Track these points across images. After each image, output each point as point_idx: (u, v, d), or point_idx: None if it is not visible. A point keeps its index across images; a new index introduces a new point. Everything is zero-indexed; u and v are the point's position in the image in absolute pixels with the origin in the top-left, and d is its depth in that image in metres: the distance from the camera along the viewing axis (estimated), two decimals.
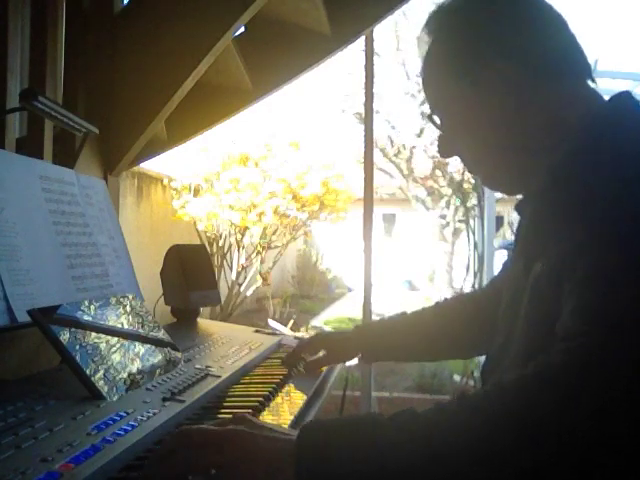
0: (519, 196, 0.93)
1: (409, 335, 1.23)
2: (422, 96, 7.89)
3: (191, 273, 1.62)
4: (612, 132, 0.77)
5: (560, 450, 0.59)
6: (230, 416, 0.75)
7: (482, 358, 1.04)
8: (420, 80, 0.96)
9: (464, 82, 0.85)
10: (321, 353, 1.30)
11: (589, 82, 0.86)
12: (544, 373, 0.64)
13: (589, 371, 0.61)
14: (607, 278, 0.65)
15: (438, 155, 0.97)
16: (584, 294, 0.66)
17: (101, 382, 0.88)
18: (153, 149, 2.01)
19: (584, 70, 0.86)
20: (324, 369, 1.31)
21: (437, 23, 0.89)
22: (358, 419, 0.68)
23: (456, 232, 9.33)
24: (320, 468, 0.64)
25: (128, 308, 1.11)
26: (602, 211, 0.69)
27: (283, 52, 2.08)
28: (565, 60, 0.84)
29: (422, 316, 1.25)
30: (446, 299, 1.30)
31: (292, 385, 1.16)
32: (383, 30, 8.60)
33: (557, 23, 0.86)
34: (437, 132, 0.94)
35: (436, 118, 0.93)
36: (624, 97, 0.81)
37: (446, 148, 0.93)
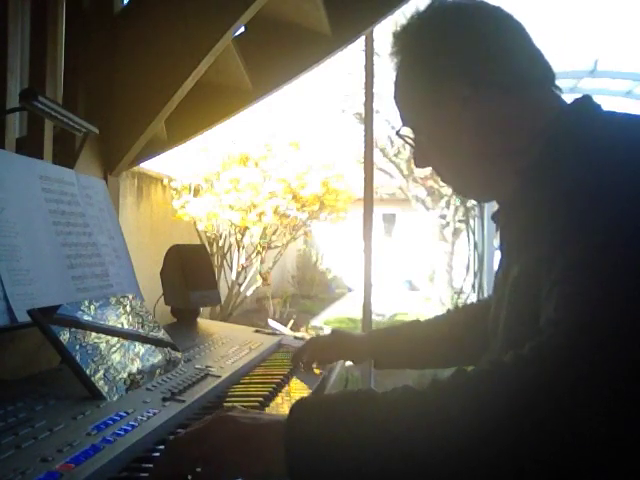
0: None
1: (422, 343, 1.25)
2: None
3: (191, 273, 1.62)
4: (577, 133, 0.79)
5: (542, 431, 0.60)
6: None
7: None
8: None
9: (427, 100, 0.90)
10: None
11: (552, 88, 0.89)
12: (533, 353, 0.65)
13: (567, 357, 0.62)
14: (586, 273, 0.66)
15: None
16: (565, 290, 0.67)
17: (101, 382, 0.88)
18: (153, 149, 2.01)
19: (546, 77, 0.89)
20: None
21: (401, 44, 0.93)
22: (350, 394, 0.68)
23: (456, 232, 9.33)
24: (311, 443, 0.63)
25: (128, 308, 1.11)
26: (574, 209, 0.70)
27: (283, 52, 2.08)
28: (526, 71, 0.87)
29: (434, 324, 1.27)
30: (457, 307, 1.34)
31: (292, 385, 1.16)
32: (383, 30, 8.60)
33: (516, 36, 0.88)
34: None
35: (408, 132, 0.97)
36: (585, 100, 0.84)
37: (421, 160, 0.97)
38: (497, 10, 0.89)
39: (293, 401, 1.05)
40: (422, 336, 1.25)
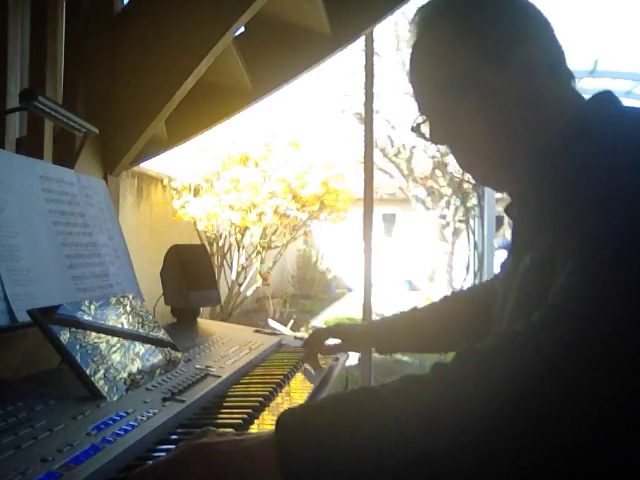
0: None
1: (421, 327, 1.26)
2: None
3: (191, 273, 1.62)
4: (596, 125, 0.79)
5: (562, 400, 0.58)
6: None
7: None
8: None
9: (446, 79, 0.85)
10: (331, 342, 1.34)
11: (572, 85, 0.89)
12: (546, 317, 0.63)
13: (582, 318, 0.60)
14: (601, 246, 0.65)
15: (438, 155, 1.00)
16: (578, 259, 0.65)
17: (101, 382, 0.88)
18: (153, 149, 2.01)
19: (570, 73, 0.89)
20: (325, 366, 1.32)
21: (425, 20, 0.89)
22: (342, 394, 0.65)
23: (456, 232, 9.35)
24: (307, 448, 0.58)
25: (128, 308, 1.11)
26: (591, 197, 0.70)
27: (283, 52, 2.08)
28: (559, 63, 0.87)
29: (435, 307, 1.28)
30: (454, 292, 1.33)
31: (292, 385, 1.16)
32: (383, 30, 8.61)
33: (550, 29, 0.88)
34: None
35: (424, 122, 0.94)
36: (606, 95, 0.83)
37: (437, 136, 0.92)
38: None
39: (293, 401, 1.05)
40: (421, 320, 1.26)
